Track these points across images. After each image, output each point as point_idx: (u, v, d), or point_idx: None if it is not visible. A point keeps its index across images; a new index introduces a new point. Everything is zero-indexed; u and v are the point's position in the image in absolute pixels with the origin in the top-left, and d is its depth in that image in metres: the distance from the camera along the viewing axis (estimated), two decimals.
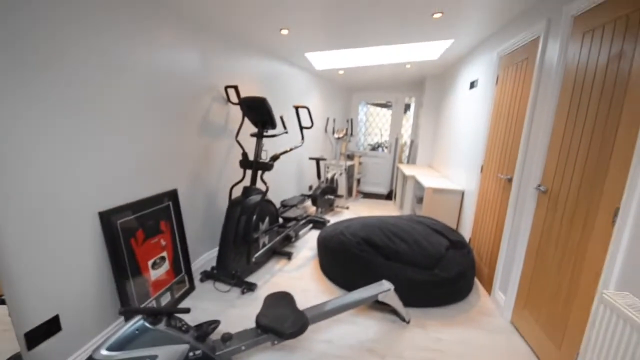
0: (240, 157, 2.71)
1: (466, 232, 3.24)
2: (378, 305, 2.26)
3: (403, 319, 2.19)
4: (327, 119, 5.44)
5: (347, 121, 5.87)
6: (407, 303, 2.27)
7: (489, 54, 3.06)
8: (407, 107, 6.36)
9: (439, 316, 2.28)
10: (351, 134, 5.43)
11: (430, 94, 5.21)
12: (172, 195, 2.28)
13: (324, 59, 3.98)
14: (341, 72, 4.61)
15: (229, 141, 2.94)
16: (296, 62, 4.03)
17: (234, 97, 2.84)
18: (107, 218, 1.74)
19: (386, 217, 3.09)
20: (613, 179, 1.42)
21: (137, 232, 1.93)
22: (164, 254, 2.16)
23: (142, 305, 1.92)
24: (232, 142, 2.99)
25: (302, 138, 3.04)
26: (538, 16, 2.17)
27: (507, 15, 2.48)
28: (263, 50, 3.36)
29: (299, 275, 2.79)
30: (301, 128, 3.10)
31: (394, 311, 2.27)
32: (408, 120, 6.40)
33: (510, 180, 2.41)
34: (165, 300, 2.12)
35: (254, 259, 2.62)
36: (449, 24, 2.65)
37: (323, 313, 1.83)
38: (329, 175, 4.78)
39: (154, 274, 2.05)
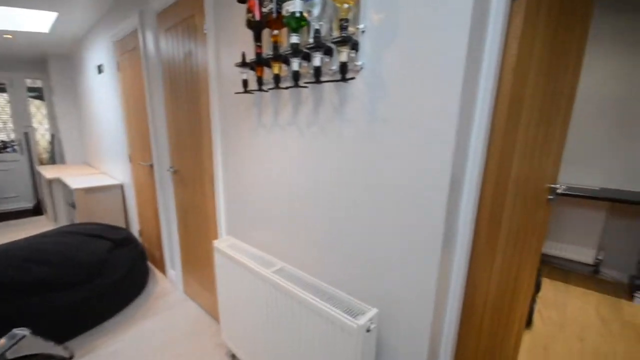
0: None
1: (135, 224, 3.13)
2: None
3: (63, 358, 1.79)
4: None
5: None
6: (70, 335, 1.89)
7: (104, 38, 2.88)
8: (37, 91, 4.83)
9: (113, 325, 2.09)
10: None
11: (59, 78, 4.24)
12: None
13: None
14: None
15: None
16: None
17: None
18: None
19: (15, 241, 2.29)
20: (206, 153, 1.83)
21: None
22: None
23: None
24: None
25: None
26: (132, 7, 2.25)
27: None
28: None
29: None
30: None
31: (49, 357, 1.79)
32: (39, 109, 4.93)
33: (152, 166, 2.53)
34: None
35: None
36: None
37: None
38: None
39: None
